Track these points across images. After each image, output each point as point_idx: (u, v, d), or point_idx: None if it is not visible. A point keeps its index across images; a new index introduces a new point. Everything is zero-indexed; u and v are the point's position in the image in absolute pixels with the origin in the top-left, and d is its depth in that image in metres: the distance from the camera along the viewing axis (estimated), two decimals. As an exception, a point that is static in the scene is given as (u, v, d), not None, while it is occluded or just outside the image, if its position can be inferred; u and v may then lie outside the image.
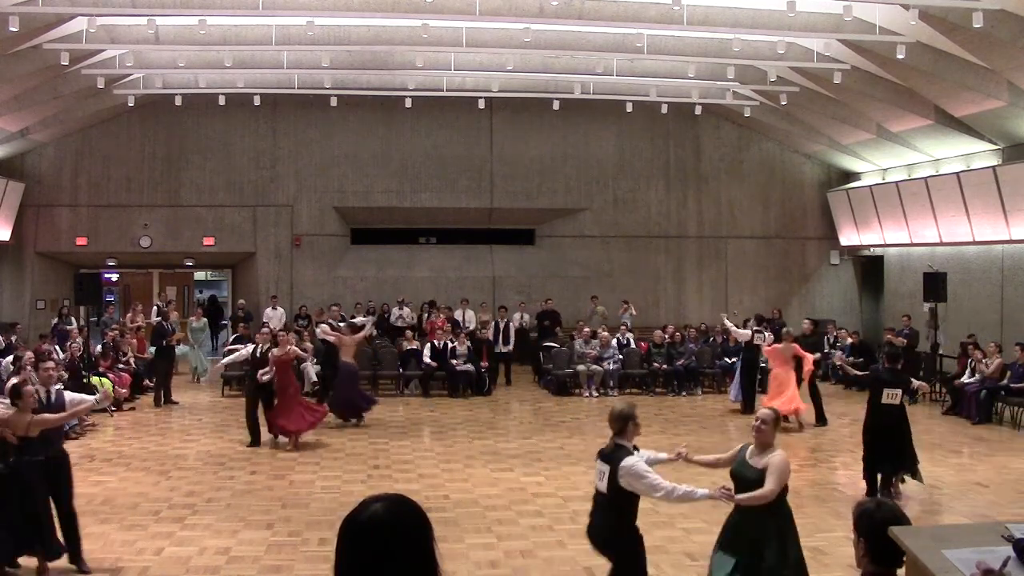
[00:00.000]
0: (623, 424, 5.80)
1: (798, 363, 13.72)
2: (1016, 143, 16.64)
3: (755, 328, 15.70)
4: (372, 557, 2.12)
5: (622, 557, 5.71)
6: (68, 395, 7.89)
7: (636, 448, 5.83)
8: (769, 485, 5.56)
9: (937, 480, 10.47)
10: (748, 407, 14.68)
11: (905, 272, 20.77)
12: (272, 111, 21.33)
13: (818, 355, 14.83)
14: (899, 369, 10.11)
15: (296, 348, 12.99)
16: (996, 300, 17.63)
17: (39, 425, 7.15)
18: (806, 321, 16.26)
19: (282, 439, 12.32)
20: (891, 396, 9.78)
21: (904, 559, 3.17)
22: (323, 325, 15.52)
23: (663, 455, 5.97)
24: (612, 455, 5.69)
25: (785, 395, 13.35)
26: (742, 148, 23.01)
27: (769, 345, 14.49)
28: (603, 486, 5.74)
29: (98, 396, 8.32)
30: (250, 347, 12.97)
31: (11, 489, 7.01)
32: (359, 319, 17.40)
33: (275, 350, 12.45)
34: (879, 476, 9.70)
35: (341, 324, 15.58)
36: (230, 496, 9.72)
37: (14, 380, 8.16)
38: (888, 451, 9.70)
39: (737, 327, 15.98)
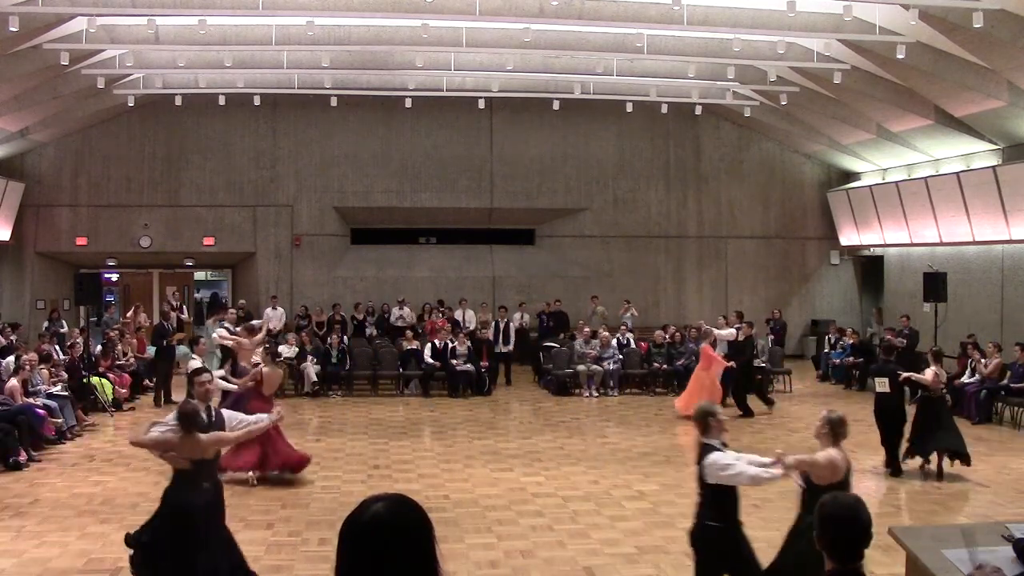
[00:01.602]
0: (704, 421, 5.85)
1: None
2: (1016, 143, 16.64)
3: (737, 325, 15.80)
4: (373, 557, 2.12)
5: (703, 556, 5.73)
6: (227, 413, 7.27)
7: (725, 445, 5.86)
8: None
9: (937, 480, 10.48)
10: (745, 410, 14.70)
11: (905, 272, 20.77)
12: (272, 111, 21.34)
13: (730, 363, 14.95)
14: (890, 361, 11.09)
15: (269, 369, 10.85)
16: (996, 300, 17.63)
17: (216, 444, 6.49)
18: (745, 324, 16.01)
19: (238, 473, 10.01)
20: (881, 385, 10.88)
21: (863, 554, 3.12)
22: (220, 330, 14.46)
23: (766, 460, 5.84)
24: (700, 454, 5.80)
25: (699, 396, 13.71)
26: (742, 148, 23.01)
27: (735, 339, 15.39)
28: (697, 486, 5.86)
29: (274, 416, 7.86)
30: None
31: (202, 522, 6.16)
32: (256, 321, 16.03)
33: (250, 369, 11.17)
34: (901, 453, 10.73)
35: (238, 329, 14.44)
36: (230, 496, 9.65)
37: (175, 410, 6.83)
38: (892, 432, 10.75)
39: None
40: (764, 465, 5.71)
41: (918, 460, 10.76)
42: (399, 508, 2.18)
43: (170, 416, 6.60)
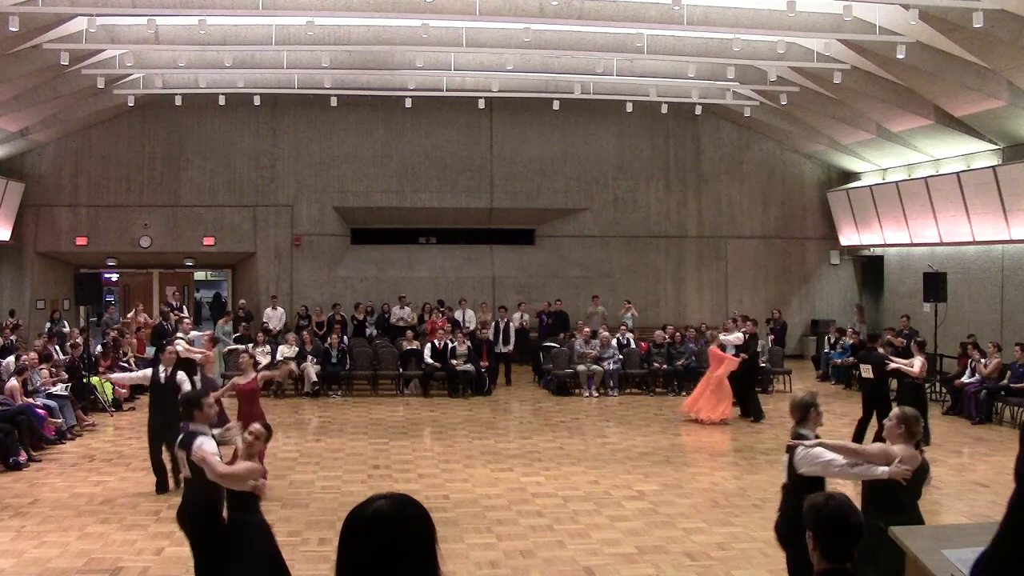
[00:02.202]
0: (804, 412, 5.84)
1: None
2: (1016, 143, 16.65)
3: (743, 329, 15.77)
4: (374, 553, 2.12)
5: (797, 552, 5.66)
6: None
7: (817, 436, 5.85)
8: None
9: (937, 480, 10.46)
10: (755, 414, 14.58)
11: (905, 272, 20.77)
12: (272, 111, 21.34)
13: (739, 359, 14.82)
14: (875, 349, 12.11)
15: (260, 372, 10.25)
16: (996, 300, 17.63)
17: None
18: (748, 323, 16.11)
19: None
20: (866, 371, 12.02)
21: (854, 554, 3.13)
22: (179, 343, 13.34)
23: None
24: (792, 443, 5.74)
25: (715, 402, 13.85)
26: (742, 148, 23.01)
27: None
28: (785, 477, 5.79)
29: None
30: (147, 370, 10.35)
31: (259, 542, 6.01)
32: (200, 335, 15.47)
33: (237, 378, 10.18)
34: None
35: (196, 335, 13.76)
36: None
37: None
38: (876, 417, 11.32)
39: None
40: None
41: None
42: (401, 506, 2.19)
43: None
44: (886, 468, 5.44)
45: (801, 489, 5.46)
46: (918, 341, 12.76)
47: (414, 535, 2.16)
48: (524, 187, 22.28)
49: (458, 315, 19.58)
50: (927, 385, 12.44)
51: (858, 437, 11.67)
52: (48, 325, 18.54)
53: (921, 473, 5.64)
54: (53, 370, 13.81)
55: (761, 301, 22.32)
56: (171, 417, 8.69)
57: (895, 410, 5.95)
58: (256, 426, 6.22)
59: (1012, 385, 14.18)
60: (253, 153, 21.74)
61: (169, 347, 10.72)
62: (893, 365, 11.66)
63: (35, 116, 18.66)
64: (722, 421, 14.07)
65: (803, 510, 3.23)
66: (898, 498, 5.49)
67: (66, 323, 18.63)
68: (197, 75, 18.01)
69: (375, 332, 20.00)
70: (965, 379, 14.98)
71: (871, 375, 11.86)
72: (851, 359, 18.03)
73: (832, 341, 19.61)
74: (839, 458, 5.50)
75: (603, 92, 19.24)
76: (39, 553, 7.71)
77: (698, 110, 20.29)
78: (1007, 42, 12.93)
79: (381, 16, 14.35)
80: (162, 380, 9.97)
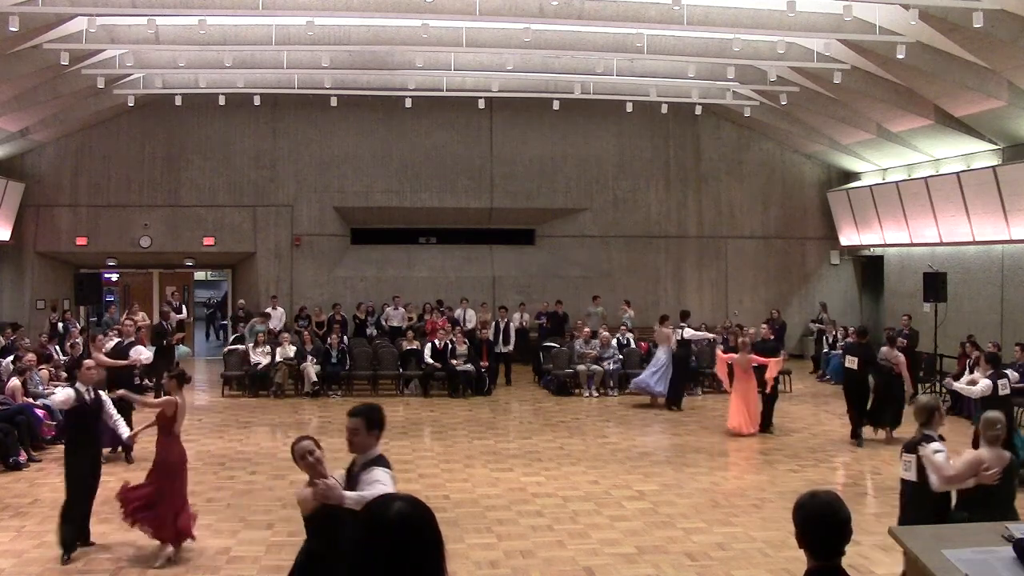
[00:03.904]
0: (928, 415, 6.19)
1: (760, 373, 13.44)
2: (1016, 143, 16.64)
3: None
4: (394, 553, 2.15)
5: None
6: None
7: (941, 437, 6.14)
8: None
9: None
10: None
11: (905, 272, 20.77)
12: (272, 111, 21.33)
13: (782, 356, 14.69)
14: (863, 343, 13.11)
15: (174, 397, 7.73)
16: (996, 300, 17.63)
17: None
18: (763, 325, 16.08)
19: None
20: (851, 362, 12.96)
21: (844, 551, 3.13)
22: (141, 352, 12.51)
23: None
24: (918, 444, 6.06)
25: (749, 412, 13.26)
26: (742, 148, 23.01)
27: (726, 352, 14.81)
28: (910, 475, 6.07)
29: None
30: (69, 390, 8.06)
31: None
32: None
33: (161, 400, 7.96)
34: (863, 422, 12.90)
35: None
36: (230, 496, 9.72)
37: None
38: (857, 404, 12.89)
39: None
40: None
41: (871, 431, 13.01)
42: (419, 508, 2.22)
43: None
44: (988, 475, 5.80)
45: (926, 488, 5.92)
46: (889, 334, 13.90)
47: (432, 539, 2.19)
48: (524, 187, 22.27)
49: (458, 315, 19.58)
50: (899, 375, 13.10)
51: (856, 429, 12.82)
52: (61, 325, 18.42)
53: (1011, 471, 5.95)
54: (53, 370, 13.80)
55: (761, 301, 22.33)
56: (97, 452, 8.06)
57: (988, 414, 6.28)
58: (304, 444, 5.45)
59: (1013, 385, 14.13)
60: (253, 153, 21.73)
61: (87, 361, 8.60)
62: (956, 386, 11.70)
63: (35, 116, 18.66)
64: (762, 430, 13.36)
65: (792, 510, 3.22)
66: (991, 497, 5.83)
67: (76, 324, 18.49)
68: (197, 75, 18.01)
69: (375, 332, 20.00)
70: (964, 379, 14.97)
71: (855, 366, 12.81)
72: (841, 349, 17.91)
73: (832, 341, 19.61)
74: (935, 479, 5.85)
75: (603, 92, 19.23)
76: (39, 553, 7.71)
77: (698, 110, 20.29)
78: (1007, 42, 12.92)
79: (381, 16, 14.35)
80: (87, 400, 7.94)
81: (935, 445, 5.96)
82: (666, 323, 16.25)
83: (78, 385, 8.01)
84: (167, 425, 7.69)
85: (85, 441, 7.90)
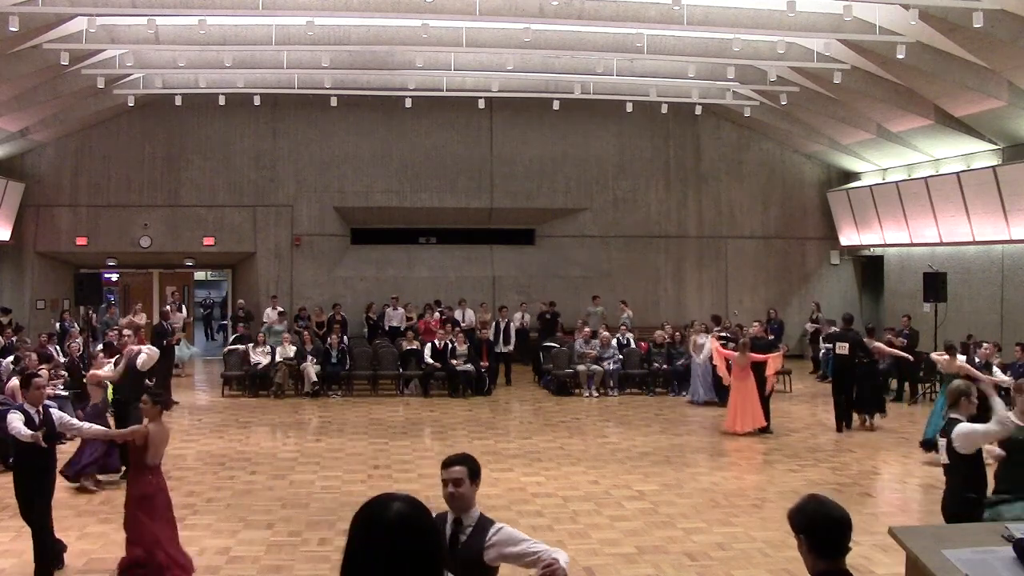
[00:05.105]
0: (956, 398, 6.43)
1: (760, 371, 13.45)
2: (1016, 143, 16.65)
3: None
4: (393, 554, 2.14)
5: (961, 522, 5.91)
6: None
7: (972, 419, 6.35)
8: None
9: (938, 480, 10.46)
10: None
11: (905, 272, 20.77)
12: (272, 111, 21.33)
13: (780, 351, 14.68)
14: (850, 330, 13.95)
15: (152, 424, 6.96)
16: (996, 300, 17.63)
17: None
18: (755, 323, 15.98)
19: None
20: (841, 348, 13.66)
21: (847, 550, 3.15)
22: (106, 367, 11.45)
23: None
24: (948, 427, 6.28)
25: (747, 411, 13.21)
26: (742, 148, 23.01)
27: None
28: (944, 457, 6.32)
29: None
30: (21, 424, 6.89)
31: None
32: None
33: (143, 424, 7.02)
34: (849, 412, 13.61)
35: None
36: (230, 496, 9.72)
37: None
38: (844, 390, 13.49)
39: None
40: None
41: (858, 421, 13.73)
42: (418, 508, 2.21)
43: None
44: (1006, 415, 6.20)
45: (959, 467, 6.17)
46: (868, 327, 14.80)
47: (432, 539, 2.19)
48: (524, 187, 22.28)
49: (458, 315, 19.58)
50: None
51: (846, 414, 13.51)
52: (59, 324, 18.43)
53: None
54: (53, 370, 13.78)
55: (761, 301, 22.33)
56: (52, 474, 7.20)
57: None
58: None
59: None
60: (253, 153, 21.73)
61: (36, 379, 7.37)
62: (975, 374, 11.18)
63: (35, 116, 18.66)
64: (762, 430, 13.24)
65: (788, 516, 3.23)
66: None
67: (76, 324, 18.48)
68: (197, 75, 18.01)
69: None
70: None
71: (846, 352, 13.52)
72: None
73: (824, 337, 19.58)
74: (979, 427, 6.09)
75: (603, 92, 19.24)
76: (39, 553, 7.69)
77: (698, 110, 20.29)
78: (1007, 42, 12.93)
79: (381, 16, 14.36)
80: (36, 422, 6.97)
81: (963, 426, 6.18)
82: (698, 330, 16.69)
83: (26, 406, 7.08)
84: (138, 457, 6.90)
85: (36, 467, 6.97)
